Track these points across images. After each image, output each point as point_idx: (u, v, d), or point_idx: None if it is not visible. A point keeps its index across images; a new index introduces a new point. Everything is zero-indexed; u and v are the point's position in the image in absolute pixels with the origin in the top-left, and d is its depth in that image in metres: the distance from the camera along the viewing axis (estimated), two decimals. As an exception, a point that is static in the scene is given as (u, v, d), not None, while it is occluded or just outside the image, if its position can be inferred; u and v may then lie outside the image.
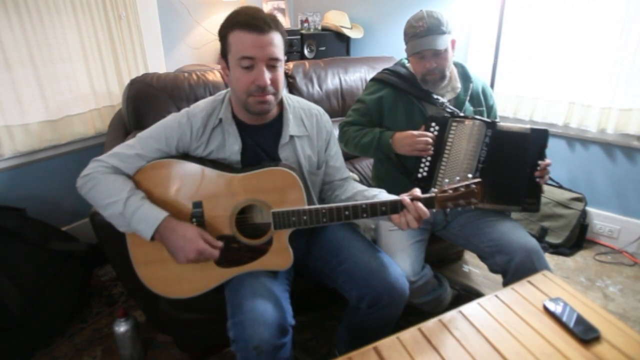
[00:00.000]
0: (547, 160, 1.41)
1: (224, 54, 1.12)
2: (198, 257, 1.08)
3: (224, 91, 1.26)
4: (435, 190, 1.12)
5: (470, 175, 1.12)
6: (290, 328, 1.10)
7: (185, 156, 1.19)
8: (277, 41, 1.09)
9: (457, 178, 1.12)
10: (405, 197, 1.10)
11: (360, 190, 1.28)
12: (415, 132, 1.45)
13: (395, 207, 1.10)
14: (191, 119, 1.18)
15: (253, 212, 1.19)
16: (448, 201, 1.11)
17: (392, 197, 1.14)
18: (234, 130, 1.19)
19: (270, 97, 1.12)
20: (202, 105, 1.22)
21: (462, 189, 1.10)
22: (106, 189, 1.09)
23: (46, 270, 1.68)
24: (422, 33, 1.40)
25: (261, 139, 1.22)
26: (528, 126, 1.43)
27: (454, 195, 1.10)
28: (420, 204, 1.09)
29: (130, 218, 1.07)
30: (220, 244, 1.12)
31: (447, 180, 1.12)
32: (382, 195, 1.20)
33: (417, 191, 1.12)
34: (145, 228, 1.07)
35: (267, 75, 1.08)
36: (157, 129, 1.18)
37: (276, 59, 1.09)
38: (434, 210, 1.12)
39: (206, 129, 1.19)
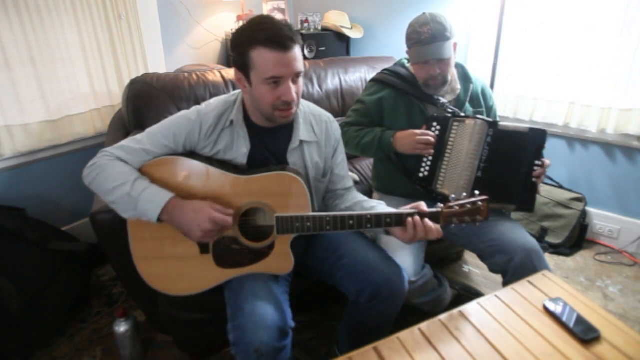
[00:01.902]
0: (547, 161, 1.42)
1: (244, 68, 1.09)
2: (213, 226, 1.06)
3: (236, 92, 1.25)
4: (442, 205, 1.11)
5: (477, 192, 1.12)
6: (290, 330, 1.10)
7: (192, 154, 1.18)
8: (299, 54, 1.09)
9: (464, 194, 1.12)
10: (416, 217, 1.08)
11: (359, 201, 1.28)
12: (417, 131, 1.45)
13: (400, 220, 1.10)
14: (202, 117, 1.18)
15: (257, 214, 1.19)
16: (453, 217, 1.10)
17: (392, 209, 1.14)
18: (245, 133, 1.19)
19: (294, 110, 1.14)
20: (214, 104, 1.21)
21: (469, 206, 1.10)
22: (113, 174, 1.09)
23: (46, 270, 1.68)
24: (426, 40, 1.39)
25: (271, 143, 1.22)
26: (527, 126, 1.43)
27: (459, 212, 1.10)
28: (430, 223, 1.08)
29: (137, 198, 1.06)
30: (231, 211, 1.11)
31: (453, 196, 1.12)
32: (380, 207, 1.20)
33: (422, 205, 1.11)
34: (152, 208, 1.06)
35: (294, 90, 1.09)
36: (166, 125, 1.18)
37: (300, 73, 1.10)
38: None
39: (216, 128, 1.18)
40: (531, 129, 1.42)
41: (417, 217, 1.08)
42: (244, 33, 1.07)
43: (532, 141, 1.42)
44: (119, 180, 1.08)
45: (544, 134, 1.42)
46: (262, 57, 1.04)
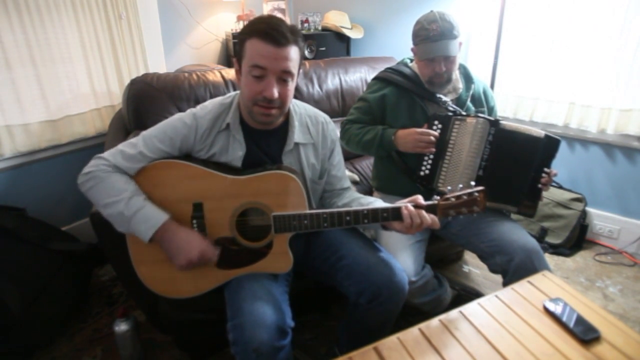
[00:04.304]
0: (554, 171, 1.42)
1: (239, 57, 1.12)
2: (199, 258, 1.08)
3: (232, 94, 1.25)
4: (438, 198, 1.11)
5: (473, 183, 1.12)
6: (290, 330, 1.10)
7: (187, 157, 1.18)
8: (293, 55, 1.09)
9: (460, 185, 1.11)
10: (408, 205, 1.09)
11: (356, 198, 1.29)
12: (419, 130, 1.45)
13: (397, 214, 1.10)
14: (198, 120, 1.18)
15: (254, 214, 1.19)
16: (450, 209, 1.10)
17: (389, 204, 1.14)
18: (240, 136, 1.19)
19: (275, 111, 1.12)
20: (209, 107, 1.21)
21: (465, 197, 1.09)
22: (108, 188, 1.09)
23: (46, 270, 1.68)
24: (435, 37, 1.39)
25: (266, 145, 1.22)
26: (542, 131, 1.43)
27: (456, 203, 1.10)
28: (424, 212, 1.08)
29: (130, 218, 1.07)
30: (218, 250, 1.12)
31: (449, 188, 1.12)
32: (377, 202, 1.20)
33: (419, 198, 1.11)
34: (145, 229, 1.07)
35: (276, 89, 1.08)
36: (161, 128, 1.17)
37: (288, 73, 1.09)
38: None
39: (212, 131, 1.18)
40: (547, 135, 1.42)
41: (410, 206, 1.08)
42: (247, 25, 1.11)
43: (545, 148, 1.42)
44: (112, 197, 1.08)
45: (557, 143, 1.42)
46: (254, 47, 1.07)
